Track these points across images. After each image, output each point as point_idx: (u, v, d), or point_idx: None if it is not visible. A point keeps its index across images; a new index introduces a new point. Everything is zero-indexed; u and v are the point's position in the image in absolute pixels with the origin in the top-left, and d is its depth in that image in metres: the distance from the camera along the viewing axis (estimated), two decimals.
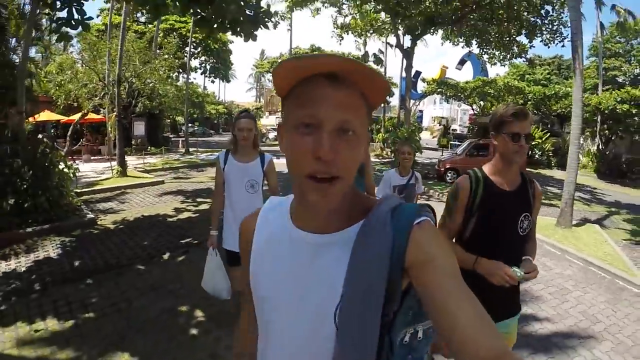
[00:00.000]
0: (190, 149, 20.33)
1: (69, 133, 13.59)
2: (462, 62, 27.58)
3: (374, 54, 25.84)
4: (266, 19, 5.96)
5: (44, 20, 10.88)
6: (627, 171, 18.33)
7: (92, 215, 7.17)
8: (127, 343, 3.36)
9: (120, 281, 4.63)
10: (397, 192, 3.83)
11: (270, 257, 0.83)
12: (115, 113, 12.60)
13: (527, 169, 18.74)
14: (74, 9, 5.90)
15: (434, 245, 0.71)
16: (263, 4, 6.14)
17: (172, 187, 10.93)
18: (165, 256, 5.54)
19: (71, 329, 3.58)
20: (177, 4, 5.50)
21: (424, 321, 0.80)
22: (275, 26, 16.70)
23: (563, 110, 21.91)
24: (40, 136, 8.35)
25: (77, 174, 7.76)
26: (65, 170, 7.26)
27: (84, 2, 6.00)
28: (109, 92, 14.19)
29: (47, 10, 6.77)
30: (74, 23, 5.92)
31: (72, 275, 4.77)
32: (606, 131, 19.63)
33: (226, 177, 2.97)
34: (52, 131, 18.03)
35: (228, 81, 47.29)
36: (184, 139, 21.64)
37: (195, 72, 39.59)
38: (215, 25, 6.13)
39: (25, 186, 6.39)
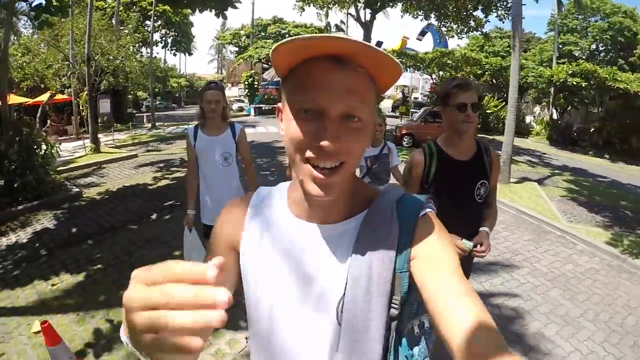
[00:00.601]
0: (157, 124, 20.41)
1: (38, 114, 13.54)
2: (422, 34, 28.13)
3: (336, 25, 26.18)
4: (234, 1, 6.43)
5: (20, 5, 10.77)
6: (577, 139, 19.41)
7: (77, 189, 7.65)
8: None
9: (117, 239, 5.29)
10: (369, 163, 3.72)
11: (267, 250, 0.79)
12: (86, 92, 12.72)
13: (482, 136, 20.02)
14: None
15: (437, 239, 0.71)
16: None
17: (145, 160, 11.35)
18: (153, 217, 6.24)
19: (84, 279, 4.23)
20: None
21: None
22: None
23: (519, 81, 23.18)
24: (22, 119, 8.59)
25: (58, 152, 8.11)
26: (47, 150, 7.59)
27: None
28: (75, 71, 14.13)
29: None
30: (52, 10, 6.25)
31: (72, 239, 5.36)
32: (562, 101, 20.85)
33: (198, 153, 2.90)
34: (15, 114, 17.72)
35: (190, 54, 46.34)
36: (148, 114, 21.55)
37: (157, 45, 38.72)
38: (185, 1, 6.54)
39: (13, 167, 6.78)
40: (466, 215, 1.96)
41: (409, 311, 0.74)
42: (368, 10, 15.85)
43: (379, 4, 15.00)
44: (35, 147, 7.25)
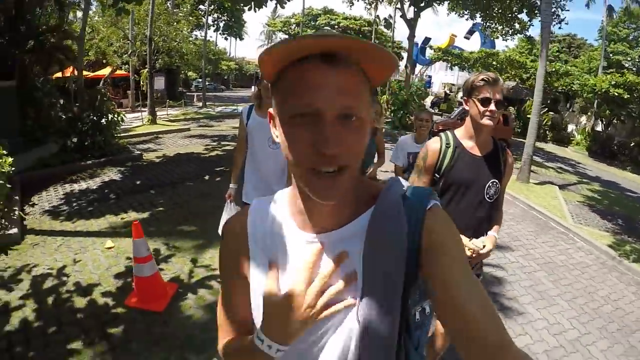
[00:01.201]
0: (207, 103, 21.73)
1: (100, 86, 14.94)
2: (470, 32, 28.10)
3: (385, 19, 26.59)
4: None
5: None
6: (617, 152, 18.94)
7: (138, 152, 8.84)
8: (191, 222, 5.10)
9: (175, 191, 6.39)
10: (411, 159, 3.62)
11: (276, 264, 0.76)
12: (147, 69, 14.00)
13: (521, 140, 20.06)
14: None
15: (445, 232, 0.70)
16: None
17: (197, 133, 12.51)
18: (206, 177, 7.34)
19: (148, 216, 5.25)
20: None
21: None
22: None
23: (564, 87, 22.88)
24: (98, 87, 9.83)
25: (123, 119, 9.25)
26: (114, 116, 8.72)
27: None
28: (136, 50, 15.46)
29: None
30: None
31: (137, 188, 6.49)
32: (607, 112, 20.19)
33: (249, 133, 2.95)
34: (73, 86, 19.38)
35: (241, 39, 47.62)
36: (198, 93, 22.91)
37: (209, 29, 40.18)
38: None
39: (85, 128, 7.93)
40: (472, 211, 1.96)
41: (412, 299, 0.73)
42: (413, 8, 16.25)
43: (424, 3, 15.36)
44: (104, 113, 8.36)
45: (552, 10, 15.95)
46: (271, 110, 0.73)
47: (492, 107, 1.84)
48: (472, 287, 0.65)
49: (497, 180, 1.98)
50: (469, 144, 1.98)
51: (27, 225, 4.90)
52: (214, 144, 10.92)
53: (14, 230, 4.55)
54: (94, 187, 6.54)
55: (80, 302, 3.40)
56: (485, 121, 1.86)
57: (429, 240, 0.69)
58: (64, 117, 8.03)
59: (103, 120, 8.29)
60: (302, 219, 0.76)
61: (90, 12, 14.14)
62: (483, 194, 1.96)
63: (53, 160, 7.49)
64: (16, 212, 4.98)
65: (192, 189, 6.58)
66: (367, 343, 0.69)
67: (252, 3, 6.91)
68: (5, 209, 4.89)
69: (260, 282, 0.78)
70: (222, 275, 0.88)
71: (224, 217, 3.21)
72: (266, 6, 7.40)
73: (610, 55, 29.58)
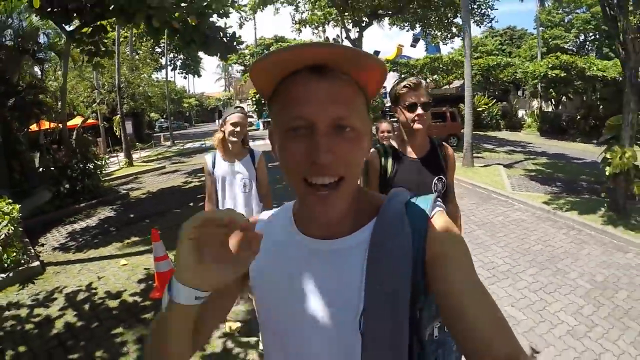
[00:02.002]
0: (175, 141, 22.53)
1: (74, 137, 15.59)
2: (415, 40, 29.70)
3: (334, 39, 28.07)
4: (237, 45, 8.22)
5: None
6: (566, 128, 20.24)
7: (125, 191, 9.60)
8: None
9: (165, 218, 7.22)
10: None
11: (277, 271, 0.78)
12: (119, 115, 14.81)
13: (475, 132, 21.59)
14: (100, 44, 8.17)
15: (450, 239, 0.70)
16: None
17: (173, 169, 13.40)
18: (191, 204, 8.15)
19: (148, 240, 6.03)
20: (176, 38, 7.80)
21: None
22: (240, 26, 18.88)
23: (509, 77, 24.71)
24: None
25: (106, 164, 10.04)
26: (99, 162, 9.51)
27: (106, 38, 8.26)
28: (104, 98, 16.27)
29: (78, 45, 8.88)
30: (101, 53, 8.19)
31: (132, 221, 7.29)
32: (553, 94, 21.89)
33: (219, 181, 2.88)
34: (47, 138, 19.95)
35: (199, 76, 48.76)
36: (164, 133, 23.72)
37: (164, 69, 41.15)
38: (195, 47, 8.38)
39: (75, 174, 8.69)
40: None
41: (427, 314, 0.72)
42: (355, 29, 17.65)
43: (364, 23, 16.79)
44: (90, 159, 9.15)
45: (482, 11, 17.76)
46: (270, 128, 0.74)
47: (419, 110, 1.90)
48: (479, 296, 0.64)
49: (441, 176, 2.06)
50: (406, 149, 2.06)
51: (44, 260, 5.62)
52: (191, 177, 11.77)
53: (36, 263, 5.29)
54: (93, 225, 7.30)
55: (112, 303, 4.22)
56: (416, 125, 1.93)
57: (433, 250, 0.68)
58: (52, 167, 8.74)
59: (90, 166, 9.04)
60: (307, 226, 0.76)
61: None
62: (431, 192, 1.99)
63: (48, 207, 8.21)
64: (32, 250, 5.73)
65: (179, 215, 7.38)
66: (373, 354, 0.68)
67: (218, 55, 7.82)
68: (22, 247, 5.62)
69: (263, 281, 0.80)
70: None
71: None
72: (226, 59, 8.36)
73: (550, 40, 31.89)
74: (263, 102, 31.22)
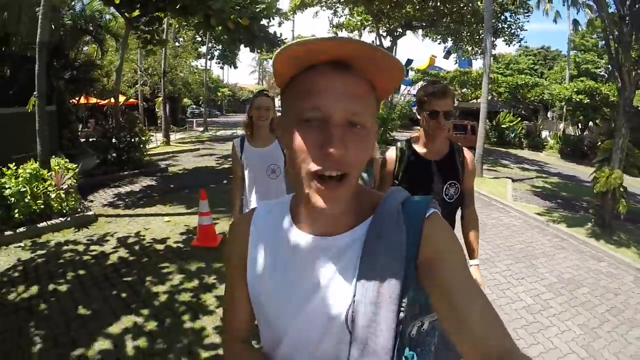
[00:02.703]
0: (208, 127, 23.78)
1: (109, 113, 17.04)
2: (448, 53, 30.27)
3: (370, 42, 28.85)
4: (279, 41, 9.15)
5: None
6: (587, 152, 20.28)
7: (164, 166, 10.68)
8: (222, 205, 6.74)
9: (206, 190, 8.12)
10: None
11: (272, 263, 0.80)
12: (161, 97, 16.05)
13: (495, 148, 22.11)
14: (155, 33, 9.24)
15: (445, 241, 0.72)
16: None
17: (206, 153, 14.45)
18: (224, 182, 9.15)
19: (189, 205, 7.02)
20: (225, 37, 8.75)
21: (430, 313, 0.85)
22: (279, 25, 19.91)
23: (536, 98, 25.01)
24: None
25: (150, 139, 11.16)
26: (144, 136, 10.64)
27: (161, 27, 9.31)
28: (147, 81, 17.58)
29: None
30: (155, 42, 9.25)
31: (173, 190, 8.33)
32: (580, 117, 21.75)
33: (245, 165, 2.87)
34: (86, 113, 21.52)
35: (236, 67, 49.92)
36: (196, 119, 25.04)
37: (203, 58, 42.62)
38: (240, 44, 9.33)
39: (122, 145, 9.80)
40: None
41: (410, 313, 0.74)
42: (389, 37, 18.46)
43: (398, 33, 17.59)
44: (137, 134, 10.27)
45: (512, 31, 18.35)
46: (280, 116, 0.75)
47: (441, 119, 1.92)
48: (472, 294, 0.65)
49: (455, 181, 2.06)
50: (423, 150, 2.08)
51: (95, 212, 6.64)
52: (223, 160, 12.82)
53: (90, 212, 6.33)
54: (137, 190, 8.36)
55: (159, 246, 5.22)
56: (436, 133, 1.97)
57: (427, 250, 0.70)
58: (101, 138, 9.85)
59: (136, 139, 10.15)
60: (304, 222, 0.77)
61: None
62: (442, 195, 2.03)
63: (96, 171, 9.32)
64: (84, 202, 6.78)
65: (216, 189, 8.26)
66: (361, 351, 0.70)
67: (250, 47, 8.69)
68: (79, 198, 6.64)
69: (257, 271, 0.81)
70: (226, 271, 0.91)
71: None
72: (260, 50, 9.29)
73: (581, 64, 31.84)
74: None
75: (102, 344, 3.19)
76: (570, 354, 3.51)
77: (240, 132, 22.31)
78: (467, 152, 2.14)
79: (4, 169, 5.72)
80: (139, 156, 10.28)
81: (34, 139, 6.51)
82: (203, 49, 30.40)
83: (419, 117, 2.07)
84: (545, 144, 24.76)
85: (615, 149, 6.86)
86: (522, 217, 7.75)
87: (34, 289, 4.03)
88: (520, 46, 19.40)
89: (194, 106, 38.47)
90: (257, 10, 6.97)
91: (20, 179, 5.65)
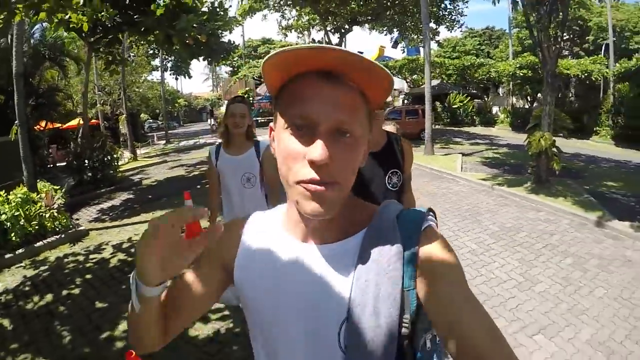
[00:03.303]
0: (170, 140, 23.98)
1: (80, 135, 17.10)
2: (396, 43, 31.45)
3: (319, 41, 29.67)
4: (233, 47, 9.79)
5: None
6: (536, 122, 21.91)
7: (137, 179, 11.12)
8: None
9: (179, 197, 8.61)
10: None
11: (263, 271, 0.78)
12: (125, 115, 16.29)
13: (450, 128, 23.39)
14: (116, 54, 9.67)
15: (442, 255, 0.69)
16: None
17: (174, 164, 14.80)
18: (198, 187, 9.69)
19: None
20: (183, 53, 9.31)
21: None
22: (230, 31, 20.41)
23: (483, 77, 26.44)
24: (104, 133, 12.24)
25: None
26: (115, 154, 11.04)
27: (120, 47, 9.74)
28: (108, 99, 17.76)
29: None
30: (117, 62, 9.69)
31: (151, 200, 8.81)
32: (529, 91, 23.38)
33: (220, 174, 2.83)
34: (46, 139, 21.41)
35: (190, 77, 50.01)
36: (156, 133, 25.28)
37: (157, 70, 42.43)
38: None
39: (96, 164, 10.18)
40: (379, 201, 2.34)
41: (420, 327, 0.71)
42: (337, 34, 19.34)
43: (344, 30, 18.48)
44: (109, 152, 10.66)
45: (452, 17, 19.60)
46: (271, 124, 0.75)
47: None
48: (474, 311, 0.62)
49: (396, 170, 2.13)
50: None
51: (86, 228, 7.10)
52: (192, 168, 13.26)
53: (82, 228, 6.80)
54: (118, 204, 8.80)
55: None
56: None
57: (424, 266, 0.68)
58: (74, 160, 10.19)
59: (109, 157, 10.54)
60: (296, 230, 0.77)
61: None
62: (385, 185, 2.10)
63: (73, 192, 9.65)
64: (74, 220, 7.24)
65: (191, 194, 8.86)
66: None
67: (209, 60, 9.26)
68: (69, 216, 7.07)
69: (246, 277, 0.80)
70: (201, 256, 0.80)
71: None
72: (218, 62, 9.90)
73: (524, 40, 33.59)
74: (251, 100, 33.22)
75: (125, 326, 3.80)
76: (509, 280, 4.38)
77: (202, 140, 22.73)
78: (404, 141, 2.27)
79: None
80: (113, 173, 10.67)
81: (12, 167, 6.91)
82: (156, 62, 30.67)
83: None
84: (496, 119, 26.16)
85: (543, 115, 7.92)
86: (469, 184, 8.75)
87: (49, 297, 4.54)
88: (461, 31, 20.47)
89: (151, 120, 38.26)
90: (215, 26, 7.54)
91: (13, 204, 6.07)
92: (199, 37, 7.18)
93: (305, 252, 0.75)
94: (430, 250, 0.69)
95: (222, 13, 8.39)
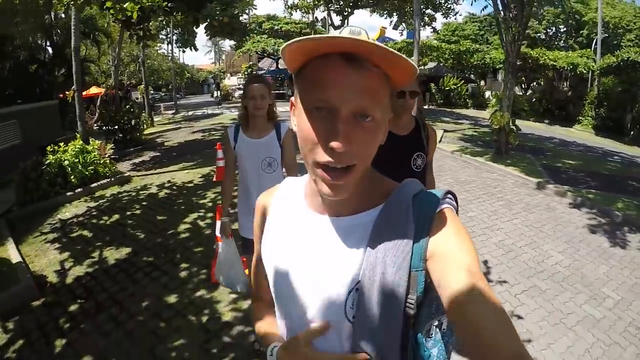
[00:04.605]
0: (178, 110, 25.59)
1: (98, 104, 18.76)
2: (395, 25, 32.63)
3: (322, 19, 30.86)
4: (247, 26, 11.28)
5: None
6: (525, 108, 22.49)
7: (160, 141, 12.82)
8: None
9: (200, 154, 10.38)
10: None
11: (284, 240, 0.84)
12: (142, 85, 17.85)
13: (443, 109, 24.92)
14: (146, 30, 11.20)
15: (454, 236, 0.69)
16: None
17: (188, 130, 16.44)
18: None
19: (196, 162, 9.28)
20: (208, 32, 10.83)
21: None
22: (248, 14, 21.74)
23: (478, 62, 27.78)
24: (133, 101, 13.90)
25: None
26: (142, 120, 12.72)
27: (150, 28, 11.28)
28: (125, 70, 19.29)
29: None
30: (147, 36, 11.21)
31: (176, 156, 10.53)
32: (522, 78, 24.73)
33: (239, 156, 2.67)
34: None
35: (196, 49, 50.56)
36: (163, 103, 26.95)
37: (163, 42, 43.55)
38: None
39: (126, 127, 11.86)
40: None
41: (427, 311, 0.72)
42: (338, 17, 20.73)
43: (346, 12, 19.88)
44: (137, 116, 12.34)
45: (448, 6, 20.99)
46: (292, 99, 0.76)
47: (407, 98, 2.11)
48: (483, 296, 0.62)
49: (421, 153, 2.29)
50: (392, 127, 2.13)
51: (129, 174, 8.73)
52: (206, 134, 14.85)
53: (126, 174, 8.50)
54: (147, 159, 10.51)
55: (190, 185, 7.61)
56: (402, 110, 2.16)
57: (437, 246, 0.69)
58: (109, 123, 11.83)
59: (136, 121, 12.22)
60: (313, 202, 0.81)
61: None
62: (410, 166, 2.26)
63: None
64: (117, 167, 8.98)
65: (211, 154, 10.23)
66: (364, 335, 0.71)
67: (230, 38, 10.72)
68: (115, 164, 8.76)
69: (268, 242, 0.88)
70: (255, 236, 0.98)
71: (222, 262, 2.95)
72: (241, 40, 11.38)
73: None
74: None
75: (185, 226, 5.58)
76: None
77: (209, 111, 24.22)
78: (430, 128, 2.40)
79: (56, 147, 7.63)
80: (139, 135, 12.36)
81: (53, 126, 8.48)
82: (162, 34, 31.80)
83: None
84: (488, 103, 27.61)
85: (504, 98, 9.59)
86: (442, 152, 10.41)
87: (116, 216, 6.23)
88: (458, 16, 21.83)
89: (152, 92, 39.58)
90: (234, 9, 9.07)
91: (72, 153, 7.68)
92: (222, 19, 8.70)
93: (319, 224, 0.79)
94: (443, 232, 0.70)
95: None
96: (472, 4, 16.93)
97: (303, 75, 0.69)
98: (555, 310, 3.65)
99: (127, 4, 6.73)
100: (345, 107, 0.64)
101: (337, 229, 0.77)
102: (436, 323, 0.74)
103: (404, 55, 0.62)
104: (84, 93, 20.79)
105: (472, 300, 0.62)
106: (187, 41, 45.51)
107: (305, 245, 0.80)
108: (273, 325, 0.94)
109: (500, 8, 9.27)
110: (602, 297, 3.90)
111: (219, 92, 30.84)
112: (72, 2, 6.28)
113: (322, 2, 21.81)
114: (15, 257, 4.74)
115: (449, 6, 20.82)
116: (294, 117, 0.75)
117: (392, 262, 0.69)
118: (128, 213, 6.34)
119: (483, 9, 12.13)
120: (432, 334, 0.73)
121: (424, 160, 2.31)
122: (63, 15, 13.28)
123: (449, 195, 0.77)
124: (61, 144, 7.80)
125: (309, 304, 0.78)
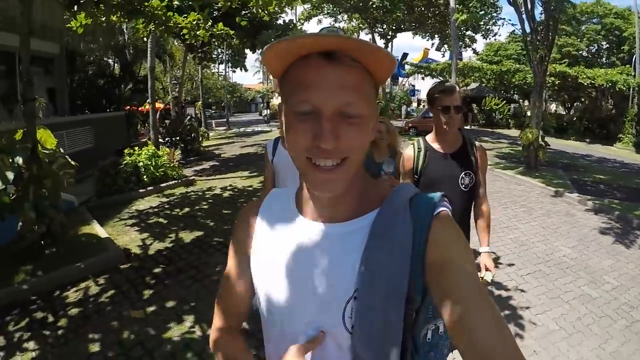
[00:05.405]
0: (230, 127, 27.40)
1: (157, 117, 20.83)
2: (438, 47, 33.33)
3: None
4: None
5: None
6: (566, 128, 23.08)
7: (217, 153, 14.24)
8: None
9: (255, 165, 11.52)
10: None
11: (274, 248, 0.80)
12: (200, 102, 19.62)
13: (485, 129, 25.19)
14: (208, 53, 12.69)
15: (453, 242, 0.69)
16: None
17: (241, 144, 17.86)
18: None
19: (250, 173, 10.47)
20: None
21: None
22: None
23: (520, 82, 27.90)
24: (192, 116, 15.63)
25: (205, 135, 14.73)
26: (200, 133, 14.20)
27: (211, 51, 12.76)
28: (183, 88, 21.19)
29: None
30: (208, 58, 12.70)
31: (233, 166, 11.78)
32: (565, 97, 25.27)
33: (276, 170, 2.76)
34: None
35: (246, 70, 52.90)
36: (214, 120, 28.97)
37: (215, 63, 46.16)
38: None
39: (188, 139, 13.34)
40: (451, 201, 2.23)
41: (424, 316, 0.73)
42: (383, 41, 21.87)
43: (389, 36, 20.98)
44: (197, 130, 13.83)
45: (487, 27, 21.65)
46: (280, 103, 0.75)
47: (452, 113, 2.11)
48: (480, 303, 0.61)
49: (470, 172, 2.24)
50: (438, 145, 2.28)
51: (194, 177, 9.94)
52: (258, 148, 16.08)
53: (191, 177, 9.76)
54: (208, 167, 11.82)
55: (250, 188, 8.72)
56: (447, 125, 2.15)
57: (434, 252, 0.68)
58: (172, 134, 13.34)
59: (196, 134, 13.69)
60: (307, 209, 0.79)
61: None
62: (458, 184, 2.22)
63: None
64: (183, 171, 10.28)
65: (264, 165, 11.61)
66: (365, 345, 0.69)
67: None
68: (181, 168, 10.03)
69: (259, 255, 0.83)
70: (229, 254, 0.91)
71: None
72: None
73: (562, 48, 34.42)
74: None
75: None
76: None
77: (259, 128, 25.76)
78: (480, 148, 2.32)
79: (132, 150, 8.89)
80: (198, 147, 13.81)
81: (124, 135, 9.82)
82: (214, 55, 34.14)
83: (431, 113, 2.28)
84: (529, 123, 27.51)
85: (533, 116, 10.23)
86: None
87: (187, 209, 7.35)
88: (495, 40, 22.32)
89: (205, 109, 41.95)
90: (287, 35, 10.32)
91: (145, 156, 8.96)
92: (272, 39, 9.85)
93: (313, 232, 0.76)
94: (441, 238, 0.69)
95: (292, 26, 11.23)
96: (499, 28, 17.31)
97: (286, 79, 0.69)
98: (555, 289, 4.27)
99: (200, 31, 7.94)
100: (329, 106, 0.63)
101: (333, 236, 0.75)
102: (432, 327, 0.76)
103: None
104: (145, 107, 23.32)
105: (470, 308, 0.61)
106: (238, 62, 48.29)
107: (300, 254, 0.77)
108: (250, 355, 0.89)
109: (528, 31, 9.99)
110: (602, 282, 4.37)
111: (267, 110, 32.31)
112: (154, 29, 7.55)
113: (366, 26, 23.04)
114: (102, 234, 5.59)
115: (488, 28, 21.39)
116: (281, 119, 0.74)
117: (390, 268, 0.68)
118: (197, 207, 7.44)
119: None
120: (429, 338, 0.76)
121: (473, 179, 2.27)
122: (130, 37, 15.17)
123: (445, 199, 0.76)
124: (136, 148, 9.14)
125: (305, 315, 0.75)
